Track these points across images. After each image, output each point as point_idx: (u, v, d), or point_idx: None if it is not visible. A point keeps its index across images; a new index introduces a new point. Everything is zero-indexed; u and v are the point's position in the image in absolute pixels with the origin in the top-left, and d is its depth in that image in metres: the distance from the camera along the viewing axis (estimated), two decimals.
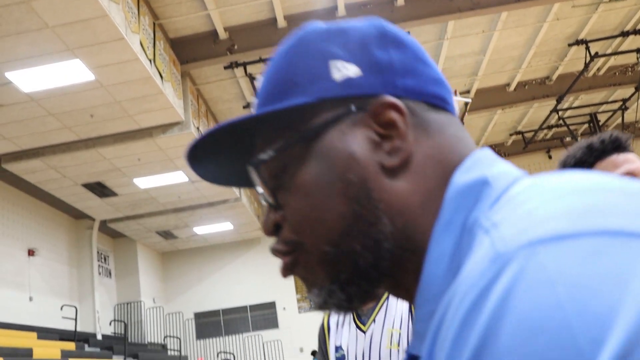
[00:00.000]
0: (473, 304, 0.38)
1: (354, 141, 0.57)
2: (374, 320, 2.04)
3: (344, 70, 0.58)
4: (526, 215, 0.41)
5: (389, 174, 0.56)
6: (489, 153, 0.58)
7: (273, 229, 0.61)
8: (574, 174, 0.46)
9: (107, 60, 8.21)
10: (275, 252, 0.61)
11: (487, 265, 0.39)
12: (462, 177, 0.54)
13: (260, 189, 0.62)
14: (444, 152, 0.57)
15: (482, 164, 0.55)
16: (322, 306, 0.60)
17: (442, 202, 0.54)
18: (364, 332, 2.02)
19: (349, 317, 2.07)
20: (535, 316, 0.34)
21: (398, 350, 1.96)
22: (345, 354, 2.01)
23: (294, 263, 0.60)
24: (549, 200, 0.42)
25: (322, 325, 2.18)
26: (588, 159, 1.60)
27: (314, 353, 9.64)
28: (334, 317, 2.15)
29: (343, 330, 2.06)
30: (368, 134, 0.57)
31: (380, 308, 2.04)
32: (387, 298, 2.06)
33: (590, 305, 0.33)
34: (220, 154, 0.65)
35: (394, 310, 2.03)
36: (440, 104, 0.61)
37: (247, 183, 0.70)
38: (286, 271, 0.61)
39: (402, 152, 0.56)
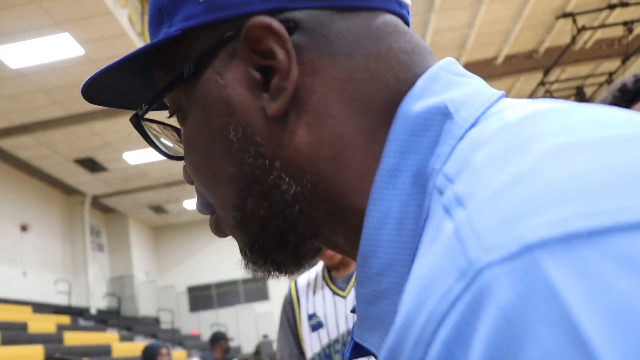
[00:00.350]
0: (442, 354, 0.25)
1: (230, 82, 0.42)
2: (354, 285, 1.96)
3: None
4: (510, 187, 0.27)
5: (278, 122, 0.41)
6: (450, 65, 0.42)
7: (191, 181, 0.50)
8: (588, 107, 0.31)
9: (95, 35, 8.21)
10: (199, 211, 0.51)
11: (456, 282, 0.26)
12: (413, 106, 0.39)
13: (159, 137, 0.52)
14: (361, 80, 0.41)
15: (440, 84, 0.40)
16: (254, 273, 0.49)
17: (384, 144, 0.39)
18: (344, 297, 1.93)
19: (322, 283, 1.97)
20: None
21: None
22: (323, 321, 1.90)
23: (217, 224, 0.49)
24: (549, 155, 0.27)
25: (290, 295, 2.04)
26: (620, 104, 1.26)
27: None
28: (303, 285, 2.02)
29: (316, 297, 1.95)
30: (246, 71, 0.42)
31: None
32: None
33: None
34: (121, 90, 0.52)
35: None
36: (358, 3, 0.42)
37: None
38: (214, 230, 0.50)
39: (285, 93, 0.40)
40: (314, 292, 1.97)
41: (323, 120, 0.41)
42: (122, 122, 10.68)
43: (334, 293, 1.94)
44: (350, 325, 1.84)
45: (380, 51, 0.42)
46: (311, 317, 1.93)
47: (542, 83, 13.36)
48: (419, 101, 0.39)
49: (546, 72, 12.83)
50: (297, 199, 0.42)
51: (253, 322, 18.26)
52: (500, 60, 13.29)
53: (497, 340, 0.23)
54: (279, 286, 18.50)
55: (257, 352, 14.07)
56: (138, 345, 11.14)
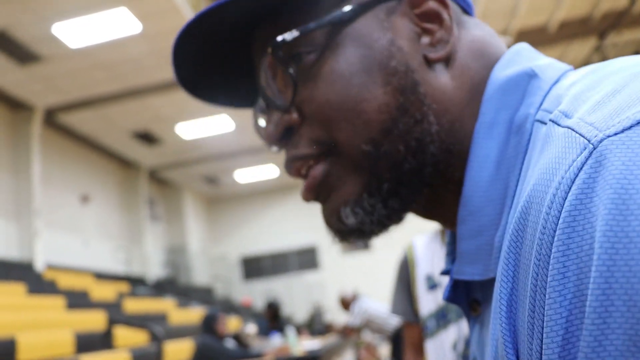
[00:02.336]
0: (575, 204, 0.31)
1: (394, 29, 0.51)
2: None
3: None
4: (608, 97, 0.35)
5: (432, 67, 0.50)
6: (528, 46, 0.53)
7: (283, 133, 0.53)
8: (637, 56, 0.40)
9: (150, 9, 8.32)
10: (298, 158, 0.52)
11: (578, 156, 0.33)
12: (502, 72, 0.49)
13: (266, 87, 0.53)
14: (486, 45, 0.52)
15: (523, 57, 0.50)
16: (353, 230, 0.52)
17: (481, 101, 0.49)
18: None
19: (439, 245, 1.94)
20: None
21: None
22: (439, 282, 1.88)
23: (324, 173, 0.52)
24: (628, 79, 0.36)
25: (406, 256, 2.04)
26: None
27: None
28: (421, 246, 2.00)
29: (434, 259, 1.93)
30: (407, 24, 0.51)
31: None
32: None
33: None
34: (216, 54, 0.57)
35: None
36: (468, 9, 0.56)
37: (242, 99, 0.63)
38: (311, 188, 0.52)
39: (448, 44, 0.50)
40: (432, 253, 1.96)
41: (464, 70, 0.51)
42: (176, 95, 10.85)
43: None
44: None
45: (489, 32, 0.54)
46: (429, 278, 1.92)
47: (597, 48, 12.93)
48: (506, 69, 0.49)
49: (602, 37, 12.36)
50: (434, 139, 0.49)
51: (304, 292, 18.46)
52: (553, 26, 12.91)
53: (621, 183, 0.29)
54: (331, 257, 18.66)
55: (311, 321, 14.24)
56: (193, 312, 11.29)
